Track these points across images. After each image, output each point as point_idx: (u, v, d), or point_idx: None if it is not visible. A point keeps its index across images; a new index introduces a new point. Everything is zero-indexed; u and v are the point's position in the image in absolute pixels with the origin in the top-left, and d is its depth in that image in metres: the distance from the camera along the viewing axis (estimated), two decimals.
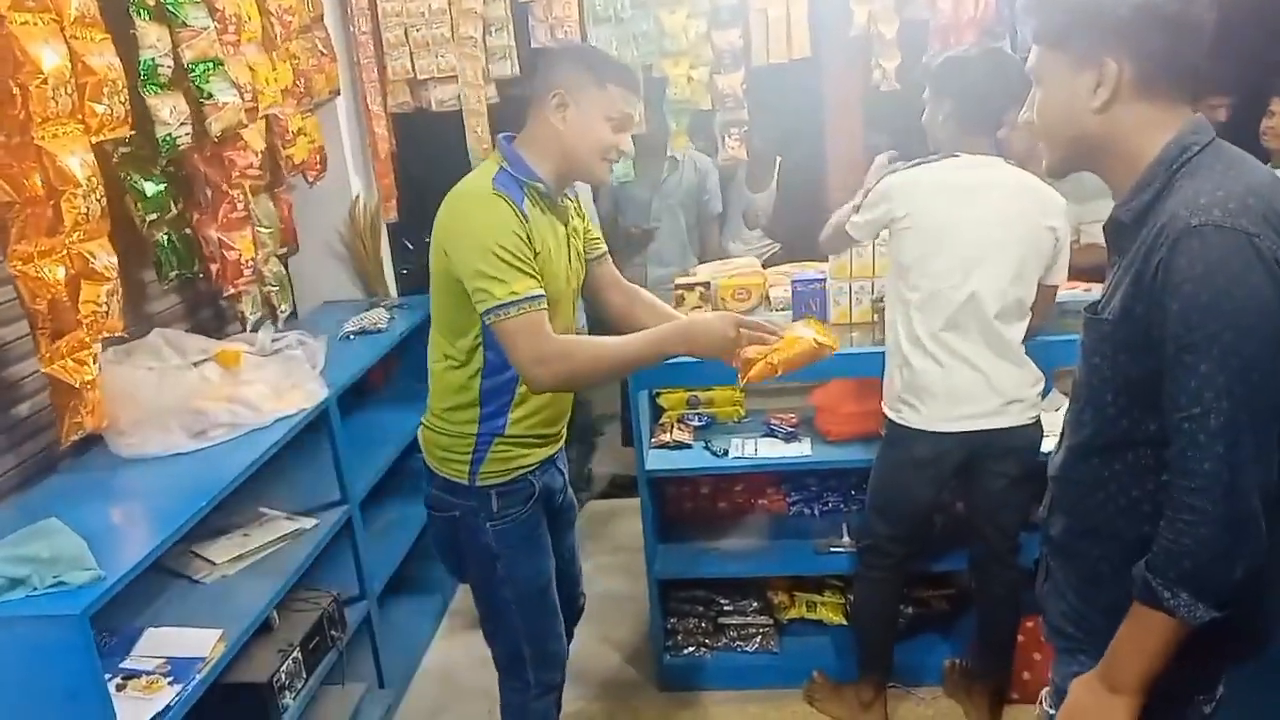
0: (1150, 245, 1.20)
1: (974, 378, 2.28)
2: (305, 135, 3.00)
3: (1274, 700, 1.65)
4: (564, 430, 2.10)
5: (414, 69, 3.45)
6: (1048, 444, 2.34)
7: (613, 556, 3.64)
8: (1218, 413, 1.13)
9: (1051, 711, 1.42)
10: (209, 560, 2.30)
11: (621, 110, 1.87)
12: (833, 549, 2.82)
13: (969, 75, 2.25)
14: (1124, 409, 1.28)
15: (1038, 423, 2.37)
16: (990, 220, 2.22)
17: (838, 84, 3.78)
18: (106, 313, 2.05)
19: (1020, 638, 2.60)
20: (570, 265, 1.99)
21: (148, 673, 1.90)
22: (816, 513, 3.04)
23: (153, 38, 2.27)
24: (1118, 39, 1.22)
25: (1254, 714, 1.53)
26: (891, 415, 2.40)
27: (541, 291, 1.79)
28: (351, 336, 3.04)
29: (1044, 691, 1.48)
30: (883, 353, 2.43)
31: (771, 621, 2.97)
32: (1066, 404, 1.45)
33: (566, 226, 1.98)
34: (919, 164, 2.30)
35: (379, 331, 3.09)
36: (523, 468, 1.99)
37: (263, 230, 2.84)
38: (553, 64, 1.91)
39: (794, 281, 2.84)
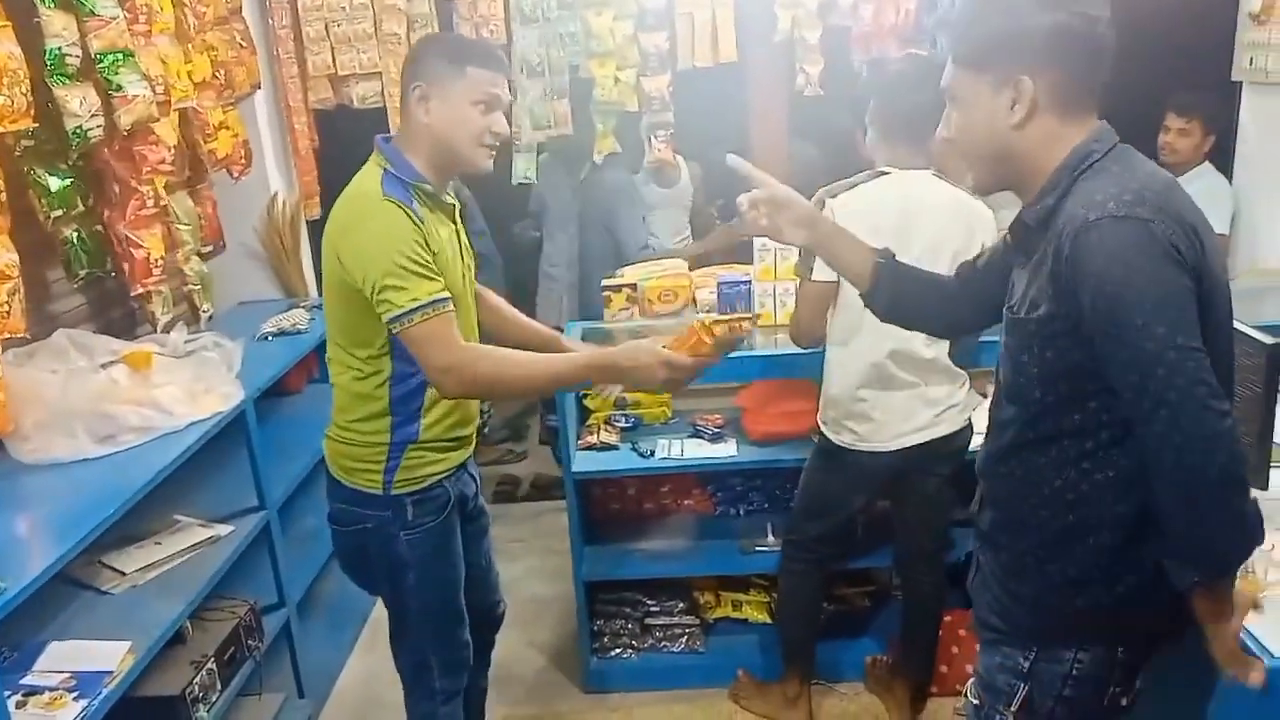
0: (1057, 246, 1.25)
1: (909, 396, 2.30)
2: (228, 129, 2.91)
3: (1188, 693, 1.71)
4: (474, 434, 2.08)
5: (335, 65, 3.38)
6: (976, 440, 2.38)
7: (538, 559, 3.61)
8: (1154, 380, 1.16)
9: (976, 701, 1.46)
10: (118, 570, 2.21)
11: (487, 91, 1.84)
12: (758, 548, 2.84)
13: (885, 78, 2.28)
14: (1049, 405, 1.32)
15: (970, 424, 2.40)
16: (926, 245, 2.20)
17: (762, 88, 3.81)
18: (7, 312, 1.96)
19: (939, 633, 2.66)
20: (464, 261, 1.98)
21: (51, 688, 1.82)
22: (741, 513, 3.07)
23: (58, 26, 2.17)
24: (1032, 57, 1.27)
25: (1168, 706, 1.59)
26: (829, 435, 2.41)
27: (446, 294, 1.77)
28: (270, 337, 2.96)
29: (969, 682, 1.51)
30: (806, 354, 2.45)
31: (698, 621, 2.98)
32: (987, 402, 1.49)
33: (455, 224, 1.96)
34: (852, 186, 2.26)
35: (298, 332, 3.01)
36: (437, 474, 1.97)
37: (182, 228, 2.75)
38: (412, 58, 1.89)
39: (720, 283, 2.86)
